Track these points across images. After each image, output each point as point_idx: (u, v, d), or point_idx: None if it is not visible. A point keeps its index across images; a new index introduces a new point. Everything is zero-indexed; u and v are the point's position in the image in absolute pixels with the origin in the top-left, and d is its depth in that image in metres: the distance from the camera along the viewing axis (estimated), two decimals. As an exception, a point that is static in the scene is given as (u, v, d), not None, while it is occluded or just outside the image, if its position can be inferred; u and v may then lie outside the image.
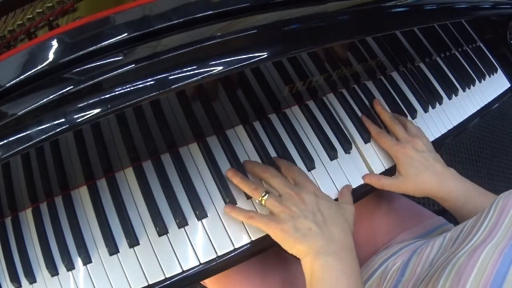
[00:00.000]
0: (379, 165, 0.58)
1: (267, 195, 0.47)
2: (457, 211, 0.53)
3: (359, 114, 0.61)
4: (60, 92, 0.35)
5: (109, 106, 0.35)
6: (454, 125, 0.68)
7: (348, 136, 0.59)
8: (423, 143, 0.56)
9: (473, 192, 0.52)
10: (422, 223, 0.64)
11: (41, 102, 0.34)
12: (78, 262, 0.47)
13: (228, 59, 0.38)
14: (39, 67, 0.36)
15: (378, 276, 0.51)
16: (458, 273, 0.33)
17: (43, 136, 0.34)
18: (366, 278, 0.53)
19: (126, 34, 0.37)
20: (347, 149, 0.57)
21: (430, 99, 0.67)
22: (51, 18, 0.43)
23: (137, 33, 0.37)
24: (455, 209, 0.53)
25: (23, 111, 0.34)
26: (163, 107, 0.46)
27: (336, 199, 0.53)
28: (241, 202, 0.50)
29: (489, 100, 0.76)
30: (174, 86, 0.36)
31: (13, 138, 0.34)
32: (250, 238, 0.49)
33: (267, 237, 0.47)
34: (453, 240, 0.43)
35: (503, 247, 0.33)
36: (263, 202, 0.47)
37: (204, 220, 0.49)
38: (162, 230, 0.48)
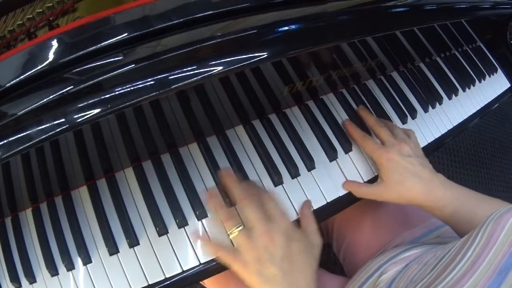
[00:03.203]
0: (379, 165, 0.57)
1: (240, 227, 0.45)
2: (447, 221, 0.50)
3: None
4: (60, 92, 0.35)
5: (109, 106, 0.35)
6: (454, 125, 0.68)
7: (348, 136, 0.58)
8: (410, 147, 0.52)
9: (464, 199, 0.49)
10: (420, 224, 0.64)
11: (41, 102, 0.34)
12: (78, 262, 0.47)
13: (228, 59, 0.38)
14: (39, 67, 0.36)
15: (373, 281, 0.51)
16: None
17: (43, 136, 0.34)
18: (362, 281, 0.52)
19: (126, 34, 0.37)
20: (347, 149, 0.57)
21: (430, 99, 0.67)
22: (51, 18, 0.43)
23: (137, 33, 0.37)
24: (445, 218, 0.50)
25: (23, 111, 0.34)
26: (163, 107, 0.46)
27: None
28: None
29: (489, 100, 0.76)
30: (174, 86, 0.36)
31: (13, 138, 0.34)
32: (250, 238, 0.49)
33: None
34: (437, 259, 0.40)
35: None
36: (231, 236, 0.46)
37: (204, 220, 0.49)
38: (162, 230, 0.48)
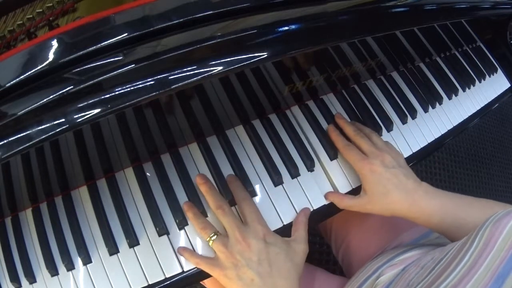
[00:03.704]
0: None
1: (215, 236, 0.46)
2: (435, 230, 0.50)
3: (359, 114, 0.61)
4: (60, 92, 0.35)
5: (109, 106, 0.35)
6: (454, 125, 0.68)
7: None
8: (392, 157, 0.51)
9: (451, 206, 0.48)
10: (419, 226, 0.63)
11: (41, 102, 0.34)
12: (78, 262, 0.47)
13: (228, 59, 0.38)
14: (39, 67, 0.36)
15: (371, 282, 0.51)
16: None
17: (43, 136, 0.34)
18: (360, 283, 0.52)
19: (126, 34, 0.37)
20: (347, 149, 0.57)
21: (430, 99, 0.67)
22: (51, 18, 0.43)
23: (137, 33, 0.37)
24: (432, 227, 0.49)
25: (23, 111, 0.34)
26: (163, 107, 0.46)
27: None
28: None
29: (489, 100, 0.76)
30: (174, 86, 0.36)
31: (13, 138, 0.34)
32: (250, 238, 0.49)
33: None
34: (434, 263, 0.39)
35: None
36: (210, 243, 0.47)
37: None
38: (162, 230, 0.48)
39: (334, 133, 0.56)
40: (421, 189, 0.49)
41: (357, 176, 0.56)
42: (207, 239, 0.47)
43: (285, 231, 0.50)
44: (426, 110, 0.66)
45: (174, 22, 0.38)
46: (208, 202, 0.49)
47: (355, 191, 0.55)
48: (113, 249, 0.47)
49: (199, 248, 0.48)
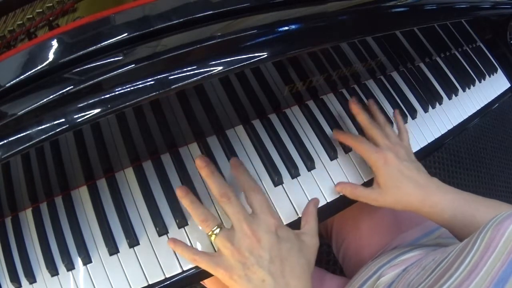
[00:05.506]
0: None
1: (218, 229, 0.42)
2: (445, 225, 0.49)
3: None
4: (60, 92, 0.35)
5: (109, 106, 0.35)
6: (454, 125, 0.68)
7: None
8: (405, 151, 0.51)
9: (461, 202, 0.47)
10: (420, 225, 0.64)
11: (41, 102, 0.34)
12: (78, 262, 0.47)
13: (228, 59, 0.38)
14: (39, 67, 0.36)
15: (371, 283, 0.51)
16: None
17: (43, 136, 0.34)
18: (361, 283, 0.52)
19: (126, 34, 0.37)
20: (347, 148, 0.57)
21: (430, 99, 0.67)
22: (51, 18, 0.43)
23: (137, 33, 0.37)
24: (443, 223, 0.49)
25: (23, 111, 0.34)
26: (163, 107, 0.46)
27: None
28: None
29: (489, 100, 0.76)
30: (174, 86, 0.36)
31: (13, 138, 0.34)
32: (250, 238, 0.49)
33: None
34: (436, 263, 0.39)
35: None
36: (212, 238, 0.42)
37: (204, 220, 0.49)
38: (162, 230, 0.48)
39: (339, 133, 0.55)
40: (433, 184, 0.49)
41: (357, 176, 0.56)
42: (209, 233, 0.42)
43: (285, 231, 0.50)
44: (426, 110, 0.66)
45: (174, 22, 0.38)
46: (210, 189, 0.44)
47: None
48: (113, 249, 0.47)
49: (201, 249, 0.48)
